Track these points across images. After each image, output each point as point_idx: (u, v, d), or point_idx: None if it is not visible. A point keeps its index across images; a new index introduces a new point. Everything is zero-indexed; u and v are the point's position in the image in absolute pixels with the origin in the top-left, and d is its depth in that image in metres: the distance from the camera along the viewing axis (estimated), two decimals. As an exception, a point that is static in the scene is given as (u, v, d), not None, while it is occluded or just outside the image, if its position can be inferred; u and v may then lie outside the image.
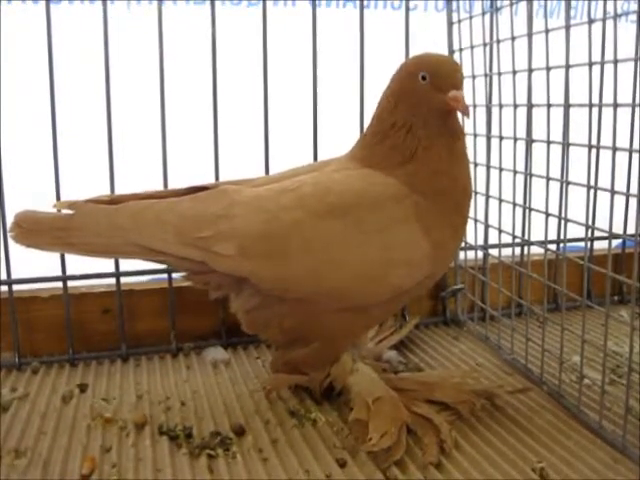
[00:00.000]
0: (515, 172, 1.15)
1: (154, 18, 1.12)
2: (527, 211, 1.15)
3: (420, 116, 0.90)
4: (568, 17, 1.00)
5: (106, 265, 1.16)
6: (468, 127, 1.25)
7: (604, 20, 0.95)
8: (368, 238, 0.87)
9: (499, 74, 1.18)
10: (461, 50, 1.29)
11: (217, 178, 1.18)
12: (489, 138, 1.24)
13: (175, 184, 1.07)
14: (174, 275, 1.20)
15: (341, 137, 1.01)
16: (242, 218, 0.88)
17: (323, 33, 1.19)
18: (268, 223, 0.88)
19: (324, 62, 1.19)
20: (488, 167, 1.24)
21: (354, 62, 1.21)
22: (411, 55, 1.07)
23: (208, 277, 0.93)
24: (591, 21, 0.94)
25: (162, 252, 0.89)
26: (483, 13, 1.21)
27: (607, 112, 0.94)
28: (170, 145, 1.16)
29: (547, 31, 1.03)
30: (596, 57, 0.95)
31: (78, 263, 1.08)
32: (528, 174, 1.13)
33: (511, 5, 1.11)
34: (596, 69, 0.96)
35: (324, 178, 0.92)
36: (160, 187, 1.14)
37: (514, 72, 1.12)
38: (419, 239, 0.89)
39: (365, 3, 1.22)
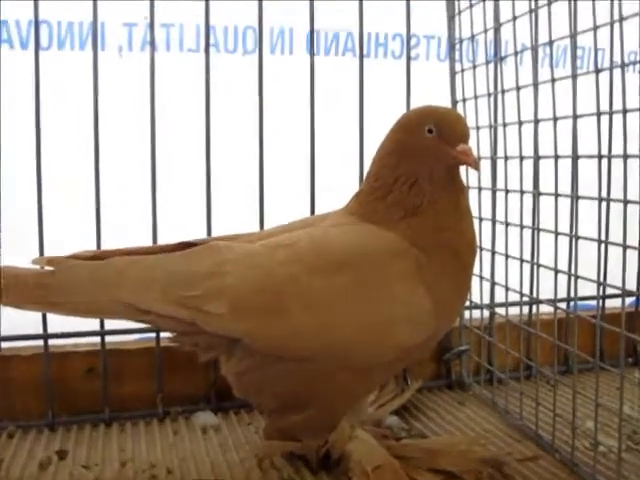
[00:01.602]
0: (522, 227, 1.15)
1: (146, 66, 1.13)
2: (535, 267, 1.14)
3: (426, 170, 0.91)
4: (574, 66, 1.01)
5: (91, 323, 1.14)
6: (472, 180, 1.26)
7: (611, 69, 0.96)
8: (368, 295, 0.87)
9: (504, 125, 1.19)
10: (465, 100, 1.30)
11: (209, 233, 1.18)
12: (494, 192, 1.24)
13: (165, 239, 1.06)
14: (162, 334, 1.19)
15: (339, 190, 1.02)
16: (234, 275, 0.88)
17: (321, 83, 1.20)
18: (262, 279, 0.87)
19: (322, 113, 1.20)
20: (494, 222, 1.24)
21: (353, 113, 1.22)
22: (412, 106, 1.09)
23: (197, 338, 0.92)
24: (598, 70, 0.95)
25: (148, 311, 0.88)
26: (487, 62, 1.22)
27: (617, 163, 0.94)
28: (161, 199, 1.16)
29: (553, 80, 1.04)
30: (604, 107, 0.95)
31: (61, 320, 1.06)
32: (535, 229, 1.13)
33: (515, 54, 1.13)
34: (604, 119, 0.97)
35: (321, 233, 0.92)
36: (149, 242, 1.14)
37: (520, 123, 1.13)
38: (421, 296, 0.88)
39: (365, 52, 1.24)
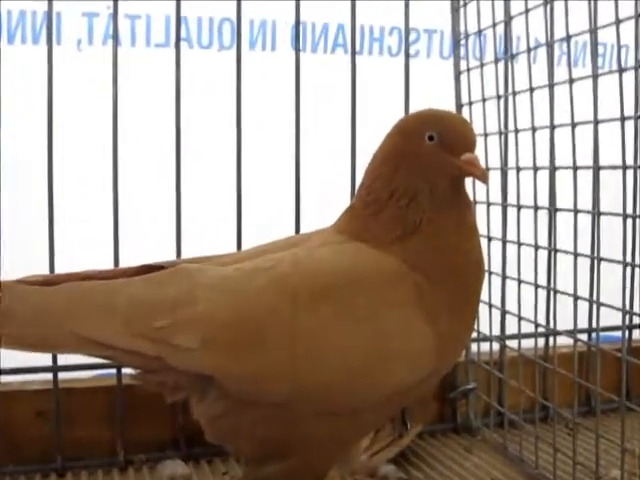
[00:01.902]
0: (537, 247, 1.15)
1: (108, 63, 1.13)
2: (552, 294, 1.14)
3: (426, 183, 0.91)
4: (595, 65, 1.01)
5: (41, 358, 1.14)
6: (480, 194, 1.26)
7: (637, 69, 0.96)
8: (359, 326, 0.86)
9: (516, 131, 1.19)
10: (471, 104, 1.30)
11: (178, 255, 1.17)
12: (505, 207, 1.24)
13: (126, 261, 1.06)
14: (124, 370, 1.17)
15: (327, 204, 1.02)
16: (207, 303, 0.87)
17: (308, 83, 1.20)
18: (239, 309, 0.86)
19: (308, 117, 1.21)
20: (504, 242, 1.24)
21: (344, 117, 1.22)
22: (411, 110, 1.09)
23: (165, 376, 0.90)
24: (622, 70, 0.95)
25: (107, 345, 0.87)
26: (496, 60, 1.23)
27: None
28: (123, 214, 1.15)
29: (571, 81, 1.04)
30: (628, 111, 0.95)
31: (6, 354, 1.05)
32: (552, 249, 1.13)
33: (528, 52, 1.13)
34: (629, 125, 0.97)
35: (306, 255, 0.91)
36: (108, 264, 1.13)
37: (533, 129, 1.13)
38: (421, 327, 0.88)
39: (358, 48, 1.24)
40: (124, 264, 1.08)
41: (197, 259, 0.98)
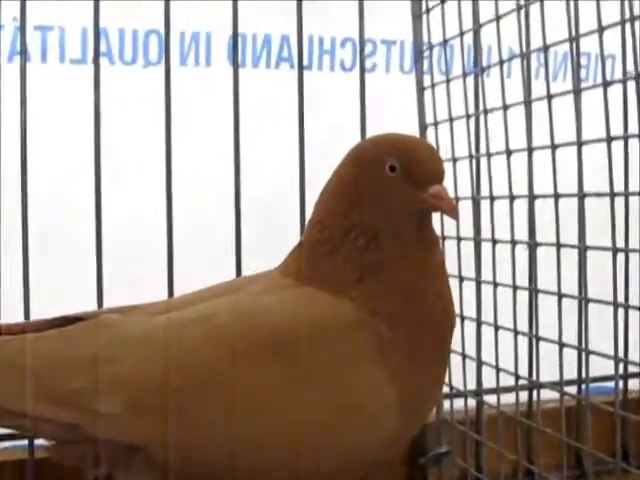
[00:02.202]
0: (515, 287, 1.15)
1: (16, 81, 1.12)
2: (534, 341, 1.14)
3: (388, 219, 0.90)
4: (578, 78, 1.02)
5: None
6: (449, 229, 1.26)
7: (625, 81, 0.96)
8: (310, 385, 0.85)
9: (488, 155, 1.19)
10: (437, 124, 1.30)
11: (100, 305, 1.16)
12: (478, 242, 1.24)
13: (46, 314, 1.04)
14: (37, 441, 1.15)
15: (272, 242, 1.01)
16: (132, 361, 0.85)
17: (247, 103, 1.21)
18: (169, 368, 0.85)
19: (249, 141, 1.21)
20: (478, 282, 1.24)
21: (291, 142, 1.23)
22: (368, 134, 1.08)
23: (83, 447, 0.89)
24: (607, 83, 0.96)
25: (15, 412, 0.85)
26: (465, 75, 1.23)
27: (635, 202, 0.95)
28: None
29: (550, 97, 1.05)
30: (616, 130, 0.96)
31: None
32: (533, 290, 1.13)
33: (501, 64, 1.13)
34: (617, 145, 0.97)
35: (248, 302, 0.91)
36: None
37: (508, 152, 1.13)
38: (381, 383, 0.87)
39: (305, 62, 1.25)
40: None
41: (121, 309, 0.96)
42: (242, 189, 1.20)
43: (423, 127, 1.33)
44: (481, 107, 1.20)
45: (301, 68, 1.22)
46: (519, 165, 1.11)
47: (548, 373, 1.12)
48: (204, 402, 0.84)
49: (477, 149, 1.23)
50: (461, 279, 1.26)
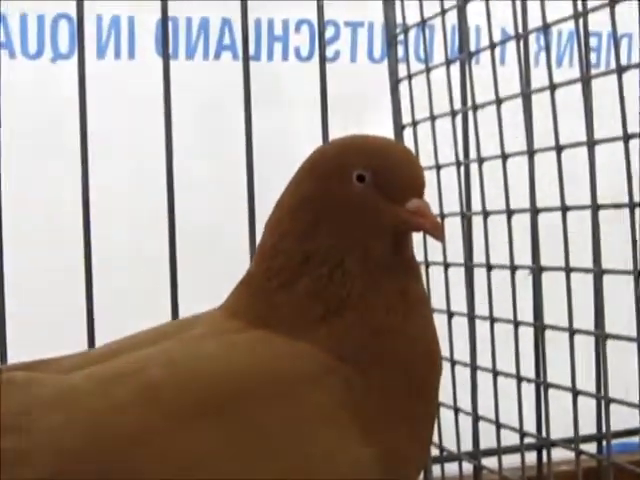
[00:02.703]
0: (517, 323, 1.15)
1: None
2: (542, 388, 1.14)
3: (356, 242, 0.90)
4: (587, 64, 1.02)
5: None
6: (434, 252, 1.26)
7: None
8: (264, 453, 0.84)
9: (480, 160, 1.19)
10: (415, 124, 1.31)
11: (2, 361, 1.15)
12: (470, 268, 1.24)
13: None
14: None
15: (213, 271, 1.01)
16: (45, 427, 0.84)
17: (182, 101, 1.22)
18: (92, 433, 0.84)
19: (184, 146, 1.23)
20: (471, 317, 1.25)
21: (236, 148, 1.23)
22: (331, 137, 1.08)
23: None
24: (622, 69, 0.96)
25: None
26: (448, 63, 1.23)
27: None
28: None
29: (553, 87, 1.05)
30: (633, 127, 0.97)
31: None
32: (539, 326, 1.14)
33: (492, 48, 1.13)
34: (635, 145, 0.98)
35: (185, 352, 0.90)
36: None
37: (504, 157, 1.13)
38: (351, 445, 0.86)
39: (252, 51, 1.25)
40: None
41: (27, 365, 0.95)
42: (176, 206, 1.21)
43: (399, 127, 1.34)
44: (469, 102, 1.21)
45: (247, 59, 1.22)
46: (517, 172, 1.12)
47: (560, 428, 1.13)
48: (133, 468, 0.83)
49: (466, 154, 1.24)
50: (450, 314, 1.26)
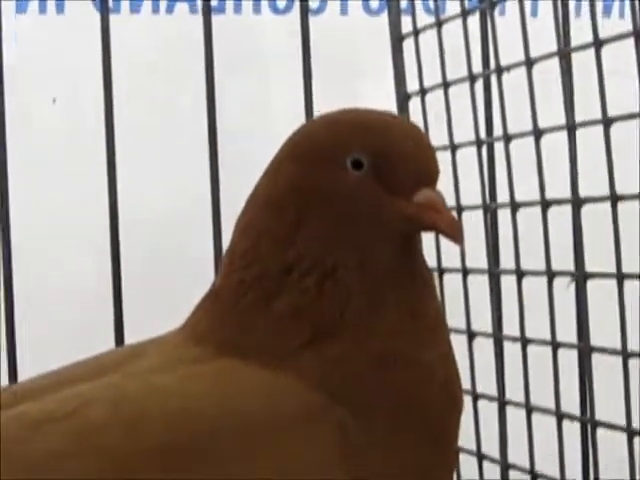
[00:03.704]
0: (556, 345, 1.15)
1: None
2: (589, 428, 1.14)
3: (351, 246, 0.90)
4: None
5: None
6: (450, 257, 1.26)
7: None
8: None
9: (506, 139, 1.19)
10: (423, 93, 1.31)
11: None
12: (496, 276, 1.24)
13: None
14: None
15: (171, 292, 1.00)
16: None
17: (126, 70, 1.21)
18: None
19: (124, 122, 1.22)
20: (497, 339, 1.24)
21: (198, 116, 1.23)
22: (318, 111, 1.09)
23: None
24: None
25: None
26: (464, 14, 1.23)
27: None
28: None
29: (598, 44, 1.04)
30: None
31: None
32: (584, 347, 1.13)
33: (521, -5, 1.13)
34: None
35: (132, 387, 0.89)
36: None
37: (537, 133, 1.13)
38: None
39: (214, 3, 1.25)
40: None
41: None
42: (120, 199, 1.21)
43: (403, 98, 1.33)
44: (492, 64, 1.20)
45: (208, 12, 1.22)
46: (553, 153, 1.12)
47: (611, 471, 1.13)
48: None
49: (489, 130, 1.23)
50: (470, 335, 1.25)
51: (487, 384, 1.25)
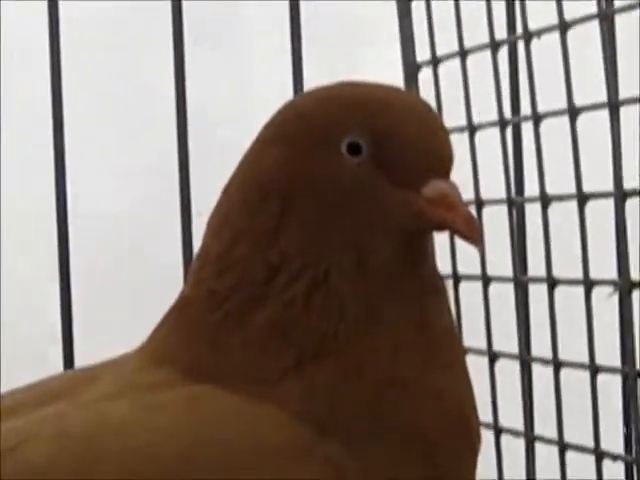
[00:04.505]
0: (596, 369, 1.14)
1: None
2: (636, 468, 1.15)
3: (347, 246, 0.89)
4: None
5: None
6: (466, 261, 1.25)
7: None
8: None
9: (535, 118, 1.18)
10: (436, 64, 1.31)
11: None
12: (523, 284, 1.24)
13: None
14: None
15: (131, 305, 0.99)
16: None
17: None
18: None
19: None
20: (524, 361, 1.24)
21: (166, 105, 1.23)
22: (309, 85, 1.08)
23: None
24: None
25: None
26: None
27: None
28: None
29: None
30: None
31: None
32: (626, 372, 1.13)
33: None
34: None
35: (82, 418, 0.89)
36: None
37: (573, 112, 1.13)
38: None
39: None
40: None
41: None
42: (74, 193, 1.21)
43: (411, 69, 1.33)
44: (519, 29, 1.20)
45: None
46: (590, 137, 1.12)
47: None
48: None
49: (516, 109, 1.22)
50: (492, 357, 1.25)
51: (512, 416, 1.25)
